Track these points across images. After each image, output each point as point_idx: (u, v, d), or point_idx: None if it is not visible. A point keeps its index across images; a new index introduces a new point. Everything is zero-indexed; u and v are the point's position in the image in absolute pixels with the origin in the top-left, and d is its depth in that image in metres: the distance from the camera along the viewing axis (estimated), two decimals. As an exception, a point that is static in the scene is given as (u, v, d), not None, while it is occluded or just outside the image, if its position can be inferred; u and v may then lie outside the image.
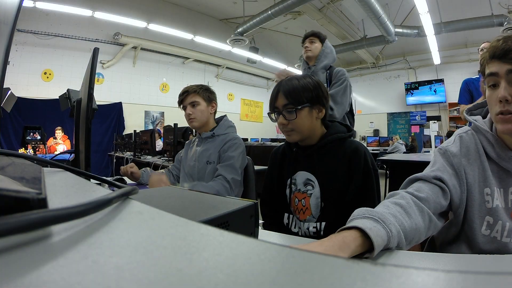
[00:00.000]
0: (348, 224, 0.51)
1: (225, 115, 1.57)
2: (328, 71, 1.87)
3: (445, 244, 0.78)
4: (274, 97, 0.95)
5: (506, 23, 5.91)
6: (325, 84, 1.80)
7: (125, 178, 1.57)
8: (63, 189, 0.38)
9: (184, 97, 1.45)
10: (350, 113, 1.94)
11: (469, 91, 2.26)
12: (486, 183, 0.68)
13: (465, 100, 2.26)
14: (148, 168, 1.62)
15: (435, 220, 0.64)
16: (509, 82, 0.62)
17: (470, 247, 0.71)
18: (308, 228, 0.95)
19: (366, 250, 0.48)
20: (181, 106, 1.48)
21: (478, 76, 2.26)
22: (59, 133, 4.99)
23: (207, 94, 1.46)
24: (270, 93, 0.99)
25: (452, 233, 0.76)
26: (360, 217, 0.53)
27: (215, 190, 1.23)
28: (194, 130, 1.84)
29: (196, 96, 1.43)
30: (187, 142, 1.63)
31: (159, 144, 4.38)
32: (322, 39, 1.91)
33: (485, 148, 0.70)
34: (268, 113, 1.00)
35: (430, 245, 0.85)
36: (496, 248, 0.67)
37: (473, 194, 0.69)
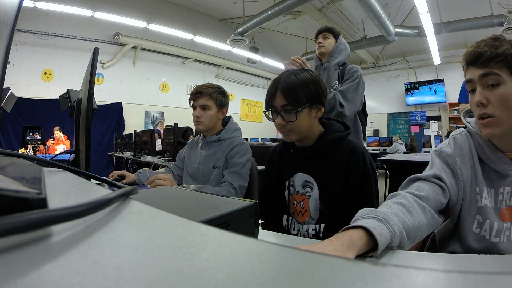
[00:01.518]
0: (352, 224, 0.52)
1: (230, 116, 1.53)
2: (341, 67, 1.78)
3: (443, 240, 0.81)
4: (271, 95, 0.90)
5: (506, 23, 5.91)
6: (337, 82, 1.74)
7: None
8: (63, 189, 0.38)
9: (197, 98, 1.39)
10: (363, 113, 1.84)
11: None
12: (477, 182, 0.71)
13: (465, 99, 2.24)
14: (146, 168, 1.61)
15: (436, 217, 0.65)
16: (483, 86, 0.64)
17: (461, 245, 0.73)
18: (307, 230, 0.94)
19: (370, 249, 0.49)
20: (191, 104, 1.43)
21: None
22: (57, 133, 4.98)
23: (221, 98, 1.41)
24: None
25: (449, 230, 0.78)
26: (364, 217, 0.54)
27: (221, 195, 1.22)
28: (194, 130, 1.81)
29: (209, 100, 1.38)
30: (189, 141, 1.60)
31: (159, 144, 4.38)
32: (336, 35, 1.83)
33: (477, 149, 0.73)
34: (264, 112, 0.96)
35: (432, 241, 0.86)
36: (485, 247, 0.68)
37: (465, 192, 0.71)
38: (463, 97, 2.28)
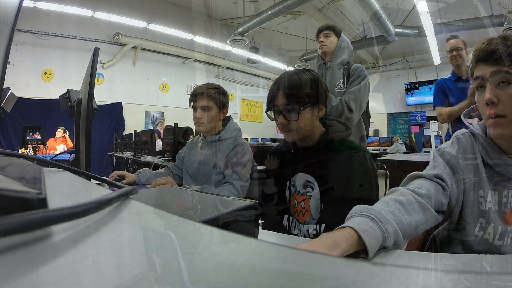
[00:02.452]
0: (344, 224, 0.50)
1: (230, 116, 1.52)
2: (345, 67, 1.75)
3: (444, 242, 0.80)
4: (273, 94, 0.91)
5: (506, 23, 5.91)
6: (341, 80, 1.72)
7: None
8: (63, 189, 0.38)
9: (197, 99, 1.39)
10: (366, 115, 1.82)
11: (443, 91, 2.16)
12: (480, 185, 0.69)
13: (440, 102, 2.15)
14: (146, 168, 1.60)
15: (436, 215, 0.64)
16: (494, 83, 0.62)
17: (463, 247, 0.72)
18: (308, 231, 0.94)
19: (361, 250, 0.47)
20: (191, 105, 1.42)
21: (450, 75, 2.23)
22: (60, 132, 4.97)
23: (221, 98, 1.40)
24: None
25: (449, 232, 0.77)
26: (357, 214, 0.53)
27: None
28: (194, 130, 1.81)
29: (209, 101, 1.37)
30: (188, 141, 1.60)
31: (159, 144, 4.38)
32: (337, 33, 1.78)
33: (480, 151, 0.71)
34: (266, 111, 0.96)
35: (432, 241, 0.86)
36: (489, 250, 0.68)
37: (468, 195, 0.70)
38: (438, 100, 2.17)
